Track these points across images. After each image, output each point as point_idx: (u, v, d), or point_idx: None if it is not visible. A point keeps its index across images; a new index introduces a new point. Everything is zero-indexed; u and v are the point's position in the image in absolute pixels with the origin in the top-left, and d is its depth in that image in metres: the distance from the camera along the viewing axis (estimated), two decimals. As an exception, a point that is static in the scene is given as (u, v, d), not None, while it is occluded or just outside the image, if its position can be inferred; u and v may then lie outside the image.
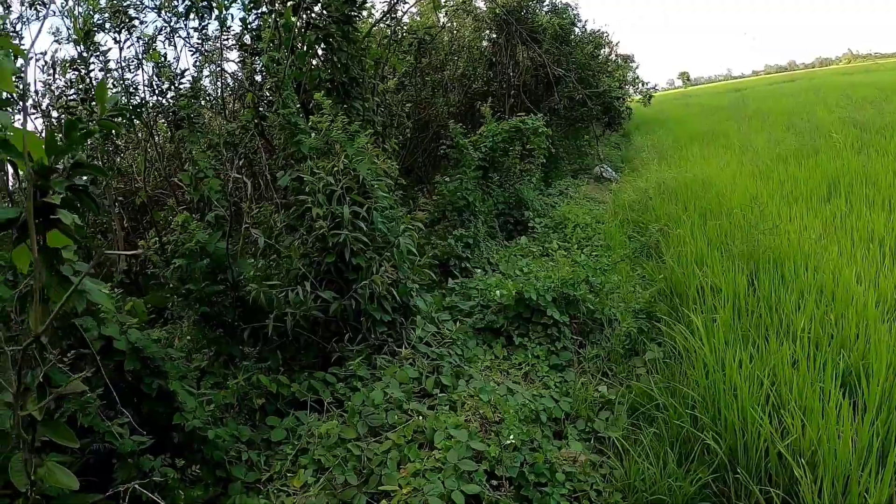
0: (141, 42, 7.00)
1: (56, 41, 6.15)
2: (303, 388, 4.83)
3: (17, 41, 6.58)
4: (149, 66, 7.09)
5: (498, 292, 6.13)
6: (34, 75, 6.89)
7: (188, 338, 5.16)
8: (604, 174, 16.48)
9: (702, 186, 10.76)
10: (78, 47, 6.13)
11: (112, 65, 7.10)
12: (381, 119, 7.13)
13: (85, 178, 2.91)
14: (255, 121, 6.94)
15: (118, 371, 4.29)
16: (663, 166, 14.45)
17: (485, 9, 15.87)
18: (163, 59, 7.23)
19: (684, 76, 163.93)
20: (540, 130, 10.54)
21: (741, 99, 36.32)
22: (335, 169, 5.28)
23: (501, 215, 9.54)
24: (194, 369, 5.08)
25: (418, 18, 12.39)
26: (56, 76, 6.74)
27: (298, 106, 6.32)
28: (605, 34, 22.02)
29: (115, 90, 7.18)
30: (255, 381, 4.78)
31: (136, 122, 7.37)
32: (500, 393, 4.87)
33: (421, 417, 4.51)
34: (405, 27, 9.90)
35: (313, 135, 5.66)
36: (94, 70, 6.35)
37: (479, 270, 7.53)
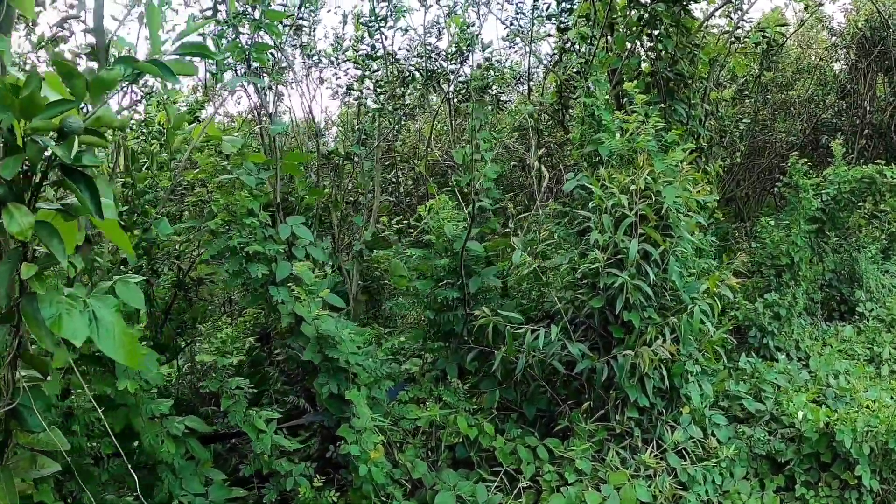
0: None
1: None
2: (506, 450, 4.01)
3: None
4: (450, 32, 6.51)
5: (801, 414, 4.44)
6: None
7: (401, 339, 4.40)
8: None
9: None
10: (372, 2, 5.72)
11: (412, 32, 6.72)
12: (707, 133, 5.56)
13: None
14: (558, 107, 5.95)
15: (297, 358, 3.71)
16: None
17: (844, 22, 12.87)
18: (465, 25, 6.58)
19: None
20: (902, 189, 7.95)
21: None
22: (633, 187, 3.97)
23: (828, 287, 7.34)
24: (390, 376, 4.35)
25: (765, 14, 10.11)
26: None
27: (607, 98, 5.12)
28: None
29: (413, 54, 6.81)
30: (453, 420, 3.93)
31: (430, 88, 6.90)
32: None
33: None
34: (751, 22, 7.90)
35: (618, 136, 4.40)
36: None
37: (783, 355, 5.75)
